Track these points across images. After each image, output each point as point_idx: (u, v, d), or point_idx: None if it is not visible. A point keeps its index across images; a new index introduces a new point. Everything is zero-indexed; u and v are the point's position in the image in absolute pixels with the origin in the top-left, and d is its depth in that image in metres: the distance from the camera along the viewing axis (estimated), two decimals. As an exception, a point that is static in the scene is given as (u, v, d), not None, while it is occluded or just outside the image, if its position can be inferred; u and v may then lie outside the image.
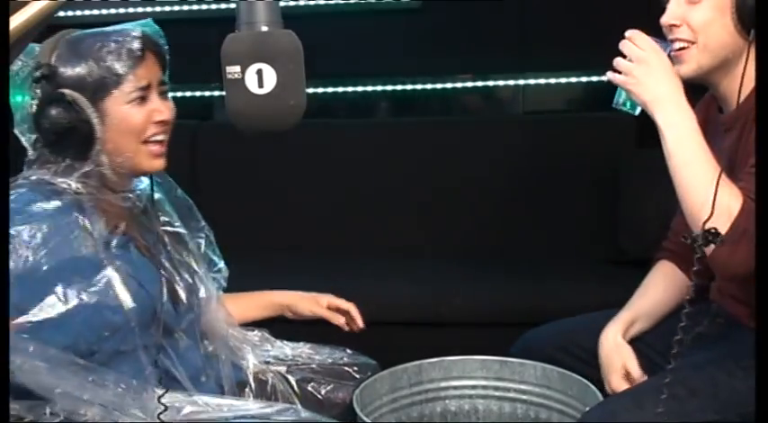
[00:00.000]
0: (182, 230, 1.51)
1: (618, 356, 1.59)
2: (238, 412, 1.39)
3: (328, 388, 1.61)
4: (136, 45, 1.35)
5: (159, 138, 1.39)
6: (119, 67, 1.33)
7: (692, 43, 1.45)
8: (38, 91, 1.33)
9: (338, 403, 1.57)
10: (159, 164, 1.40)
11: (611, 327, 1.63)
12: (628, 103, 1.47)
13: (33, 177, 1.35)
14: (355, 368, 1.66)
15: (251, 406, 1.43)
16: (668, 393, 1.36)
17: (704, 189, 1.35)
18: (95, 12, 3.16)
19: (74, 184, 1.33)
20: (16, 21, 0.83)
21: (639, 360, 1.61)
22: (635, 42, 1.41)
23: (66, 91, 1.31)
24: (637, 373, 1.59)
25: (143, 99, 1.36)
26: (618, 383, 1.58)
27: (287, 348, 1.65)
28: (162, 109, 1.38)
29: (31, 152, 1.37)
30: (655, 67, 1.40)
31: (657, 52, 1.41)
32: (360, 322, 1.69)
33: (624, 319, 1.64)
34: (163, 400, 1.29)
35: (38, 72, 1.33)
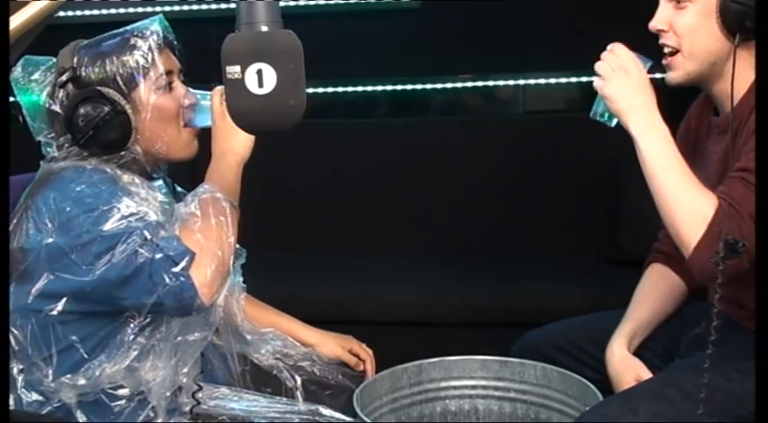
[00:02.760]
0: None
1: (629, 370, 1.59)
2: (264, 409, 1.46)
3: (329, 392, 1.62)
4: (155, 37, 1.42)
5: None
6: (142, 58, 1.40)
7: (678, 51, 1.47)
8: (62, 95, 1.39)
9: (339, 406, 1.58)
10: (194, 149, 1.49)
11: (615, 341, 1.62)
12: (606, 115, 1.50)
13: (68, 162, 1.40)
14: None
15: (279, 406, 1.49)
16: (662, 397, 1.36)
17: (678, 195, 1.38)
18: (95, 12, 3.16)
19: (110, 172, 1.39)
20: (16, 21, 0.83)
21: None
22: (616, 53, 1.44)
23: (99, 88, 1.38)
24: None
25: (169, 86, 1.44)
26: None
27: (297, 346, 1.67)
28: (186, 95, 1.46)
29: (55, 152, 1.42)
30: (633, 77, 1.43)
31: (637, 64, 1.44)
32: (369, 376, 1.70)
33: (626, 331, 1.63)
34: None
35: (62, 76, 1.39)
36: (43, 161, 1.44)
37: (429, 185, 2.95)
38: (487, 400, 1.67)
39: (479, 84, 3.17)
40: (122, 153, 1.40)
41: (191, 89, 1.48)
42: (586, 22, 2.83)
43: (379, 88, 3.22)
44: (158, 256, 1.26)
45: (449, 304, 2.50)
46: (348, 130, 3.13)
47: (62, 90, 1.39)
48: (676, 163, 1.40)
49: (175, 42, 1.48)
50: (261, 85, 0.89)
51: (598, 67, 1.45)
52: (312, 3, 3.12)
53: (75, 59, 1.40)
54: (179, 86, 1.46)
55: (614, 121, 1.48)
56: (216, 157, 1.43)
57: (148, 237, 1.28)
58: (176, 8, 3.13)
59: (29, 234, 1.32)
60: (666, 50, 1.49)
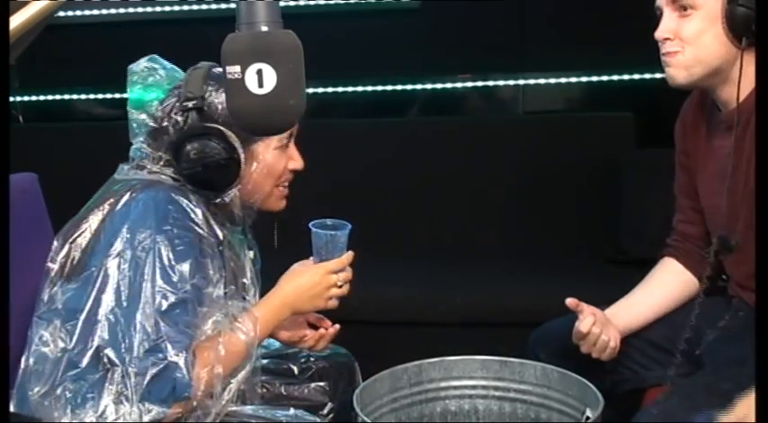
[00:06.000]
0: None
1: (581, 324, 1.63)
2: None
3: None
4: None
5: (287, 182, 1.50)
6: None
7: (682, 53, 1.47)
8: (181, 118, 1.36)
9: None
10: (284, 204, 1.53)
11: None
12: None
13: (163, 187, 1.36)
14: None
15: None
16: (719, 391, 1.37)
17: None
18: (95, 12, 3.16)
19: (201, 216, 1.37)
20: (16, 21, 0.83)
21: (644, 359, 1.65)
22: None
23: (223, 129, 1.34)
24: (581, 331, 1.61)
25: (286, 146, 1.44)
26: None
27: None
28: (296, 158, 1.48)
29: (146, 162, 1.40)
30: None
31: None
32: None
33: (620, 305, 1.70)
34: None
35: (189, 103, 1.35)
36: (131, 165, 1.41)
37: (429, 185, 2.95)
38: (487, 400, 1.67)
39: (479, 84, 3.18)
40: (222, 194, 1.39)
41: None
42: (586, 23, 2.83)
43: (379, 88, 3.22)
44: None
45: (449, 304, 2.49)
46: (348, 130, 3.13)
47: (182, 114, 1.36)
48: None
49: None
50: (261, 85, 0.89)
51: None
52: (312, 3, 3.12)
53: (206, 88, 1.37)
54: (292, 147, 1.47)
55: None
56: (283, 291, 1.53)
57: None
58: (176, 8, 3.12)
59: (92, 248, 1.30)
60: (670, 49, 1.49)
